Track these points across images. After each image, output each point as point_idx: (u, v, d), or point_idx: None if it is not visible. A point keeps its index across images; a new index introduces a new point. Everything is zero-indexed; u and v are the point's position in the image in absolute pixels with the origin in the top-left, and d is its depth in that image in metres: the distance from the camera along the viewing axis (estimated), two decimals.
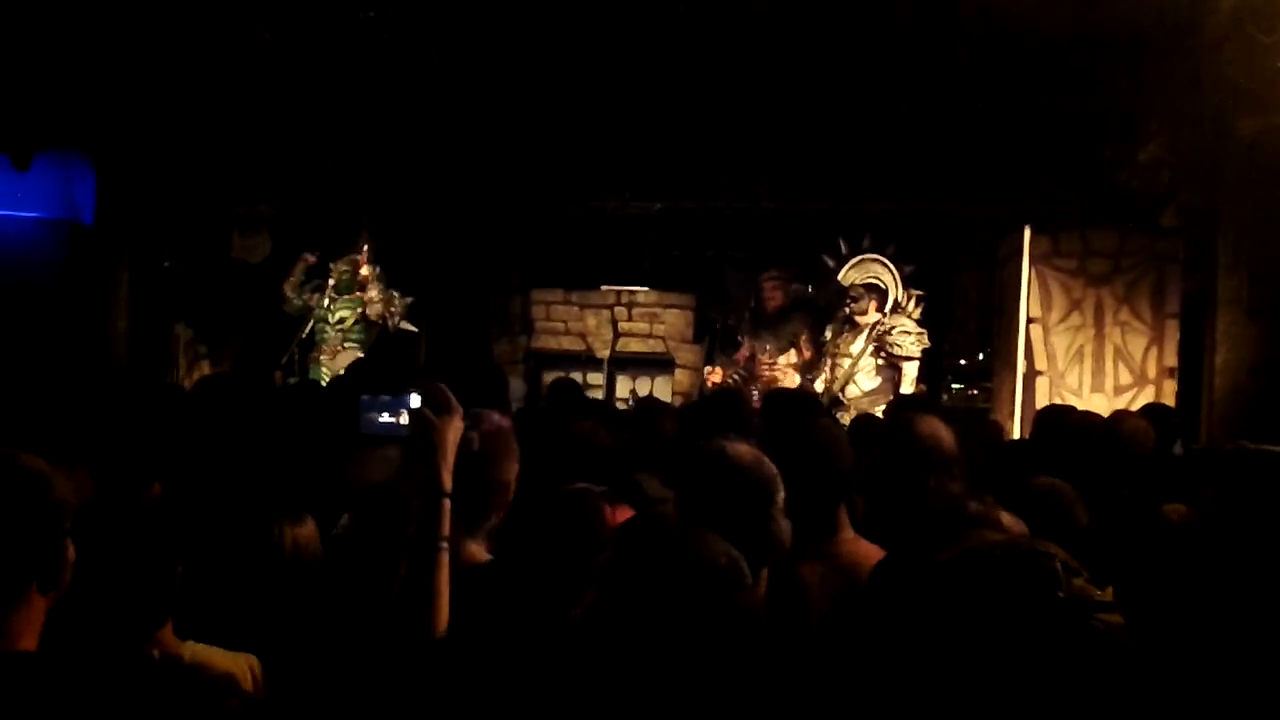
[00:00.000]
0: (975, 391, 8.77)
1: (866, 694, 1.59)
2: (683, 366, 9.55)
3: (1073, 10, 5.46)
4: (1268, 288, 5.82)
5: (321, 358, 7.99)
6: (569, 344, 9.66)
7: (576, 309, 9.71)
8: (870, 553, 2.36)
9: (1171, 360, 6.84)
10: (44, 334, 6.38)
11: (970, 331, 9.03)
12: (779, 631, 2.16)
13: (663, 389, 9.48)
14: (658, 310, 9.63)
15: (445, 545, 1.80)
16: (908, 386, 7.58)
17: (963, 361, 9.14)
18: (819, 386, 7.71)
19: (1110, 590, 1.22)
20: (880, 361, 7.72)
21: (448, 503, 1.82)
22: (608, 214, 8.47)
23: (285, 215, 8.43)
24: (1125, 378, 6.90)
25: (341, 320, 8.08)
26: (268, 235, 8.49)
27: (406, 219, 8.62)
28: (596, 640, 1.48)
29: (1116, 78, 6.08)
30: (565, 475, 2.48)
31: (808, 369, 8.04)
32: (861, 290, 7.81)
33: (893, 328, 7.68)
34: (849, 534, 2.52)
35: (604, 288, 9.65)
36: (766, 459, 2.28)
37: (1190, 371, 6.58)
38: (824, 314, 8.27)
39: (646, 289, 9.64)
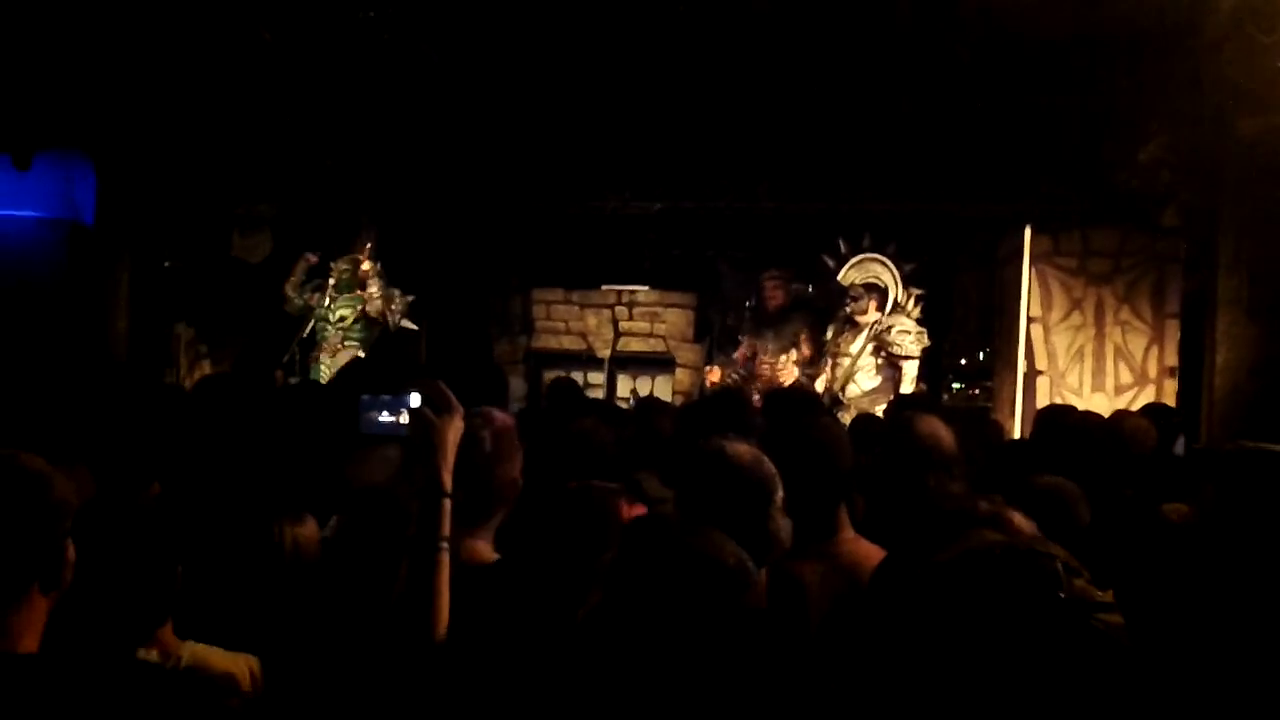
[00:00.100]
0: (976, 391, 8.78)
1: (867, 694, 1.59)
2: (683, 366, 9.55)
3: (1073, 10, 5.45)
4: (1268, 287, 5.82)
5: (322, 356, 7.99)
6: (569, 343, 9.66)
7: (577, 308, 9.71)
8: (870, 552, 2.36)
9: (1172, 360, 6.85)
10: (44, 334, 6.38)
11: (971, 331, 9.04)
12: (778, 631, 2.16)
13: (663, 388, 9.48)
14: (658, 310, 9.63)
15: (445, 545, 1.80)
16: (908, 386, 7.58)
17: (963, 361, 9.14)
18: (819, 386, 7.71)
19: (1111, 591, 1.22)
20: (880, 361, 7.72)
21: (448, 502, 1.82)
22: (608, 213, 8.46)
23: (286, 215, 8.43)
24: (1126, 377, 6.91)
25: (342, 318, 8.08)
26: (268, 235, 8.49)
27: (407, 218, 8.61)
28: (605, 640, 1.47)
29: (1116, 78, 6.07)
30: (567, 474, 2.48)
31: (808, 367, 8.05)
32: (862, 290, 7.81)
33: (891, 327, 7.68)
34: (849, 533, 2.52)
35: (604, 287, 9.65)
36: (766, 458, 2.28)
37: (1190, 371, 6.59)
38: (825, 313, 8.27)
39: (647, 288, 9.63)
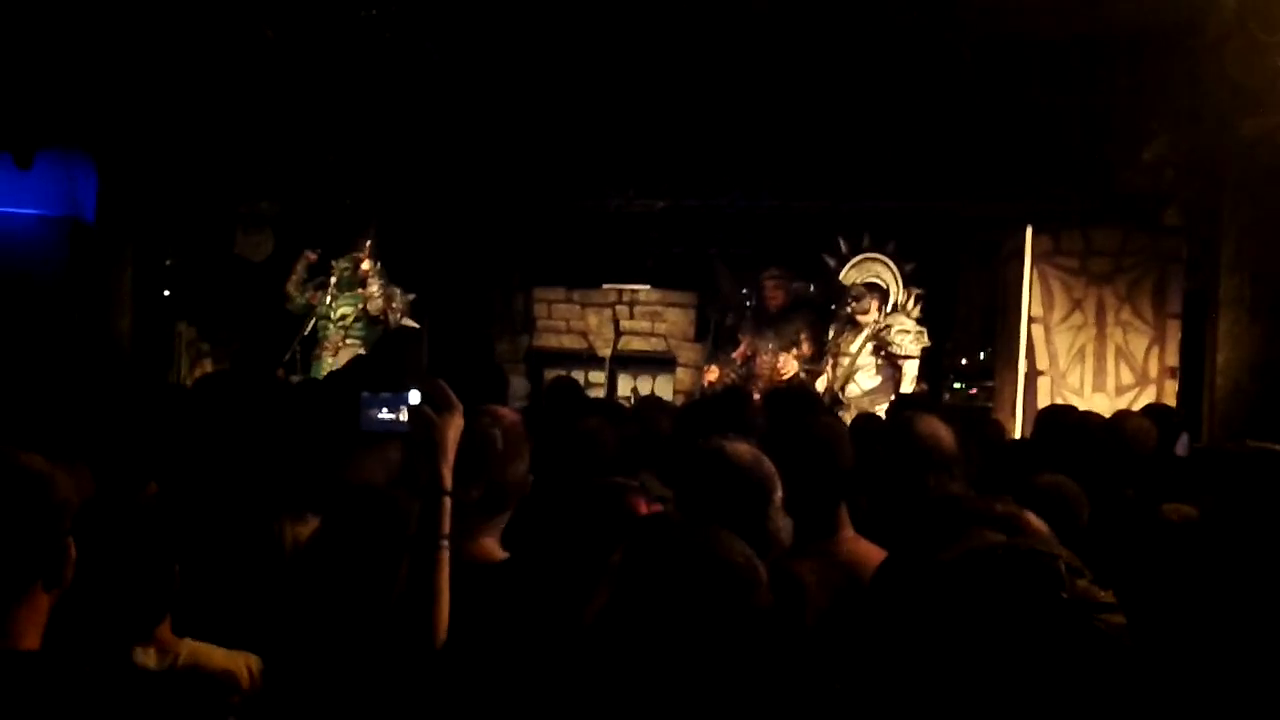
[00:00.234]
0: (976, 391, 8.76)
1: (868, 694, 1.58)
2: (684, 365, 9.54)
3: (1073, 10, 5.45)
4: (1270, 287, 5.82)
5: (323, 355, 7.99)
6: (570, 342, 9.66)
7: (578, 307, 9.71)
8: (870, 552, 2.36)
9: (1173, 360, 6.83)
10: (46, 332, 6.39)
11: (972, 331, 9.03)
12: (778, 630, 2.16)
13: (664, 388, 9.48)
14: (659, 309, 9.62)
15: (446, 544, 1.80)
16: (908, 385, 7.57)
17: (964, 361, 9.13)
18: (820, 385, 7.71)
19: (1112, 591, 1.22)
20: (880, 360, 7.72)
21: (449, 501, 1.82)
22: (610, 212, 8.47)
23: (287, 213, 8.44)
24: (1127, 377, 6.90)
25: (343, 317, 8.08)
26: (270, 233, 8.50)
27: (409, 216, 8.62)
28: (615, 638, 1.46)
29: (1117, 78, 6.07)
30: (573, 473, 2.48)
31: (809, 365, 8.04)
32: (863, 290, 7.80)
33: (891, 326, 7.66)
34: (849, 533, 2.52)
35: (606, 286, 9.65)
36: (765, 458, 2.28)
37: (1192, 371, 6.58)
38: (825, 313, 8.26)
39: (648, 287, 9.63)
